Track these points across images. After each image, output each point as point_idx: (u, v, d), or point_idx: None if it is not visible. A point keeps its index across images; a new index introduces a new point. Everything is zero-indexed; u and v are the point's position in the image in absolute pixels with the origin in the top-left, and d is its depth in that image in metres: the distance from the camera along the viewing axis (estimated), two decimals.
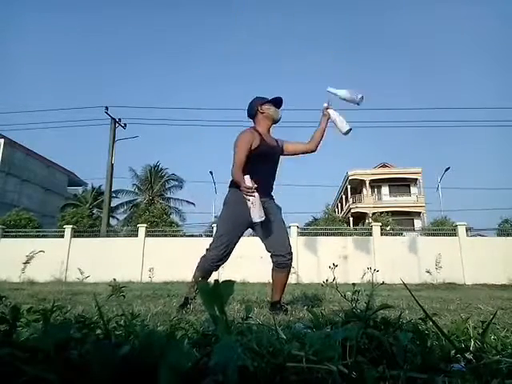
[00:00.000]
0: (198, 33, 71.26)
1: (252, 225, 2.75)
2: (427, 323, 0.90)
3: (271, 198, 2.89)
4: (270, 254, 2.76)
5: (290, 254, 2.75)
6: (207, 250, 2.75)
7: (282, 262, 2.72)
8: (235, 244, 2.77)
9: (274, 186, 2.95)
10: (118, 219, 27.11)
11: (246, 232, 2.92)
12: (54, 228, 16.21)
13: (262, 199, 2.67)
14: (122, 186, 27.32)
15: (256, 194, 2.55)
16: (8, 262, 11.54)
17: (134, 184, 27.72)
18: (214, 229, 14.52)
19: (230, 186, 2.83)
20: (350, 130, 2.88)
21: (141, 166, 28.41)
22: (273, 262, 2.76)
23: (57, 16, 66.82)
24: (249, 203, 2.55)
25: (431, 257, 10.92)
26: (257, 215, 2.54)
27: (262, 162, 2.77)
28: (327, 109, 2.96)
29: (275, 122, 2.97)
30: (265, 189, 2.77)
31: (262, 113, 2.92)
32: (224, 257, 2.72)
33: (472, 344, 0.84)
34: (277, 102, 2.96)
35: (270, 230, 2.75)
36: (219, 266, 2.75)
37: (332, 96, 2.93)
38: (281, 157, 3.00)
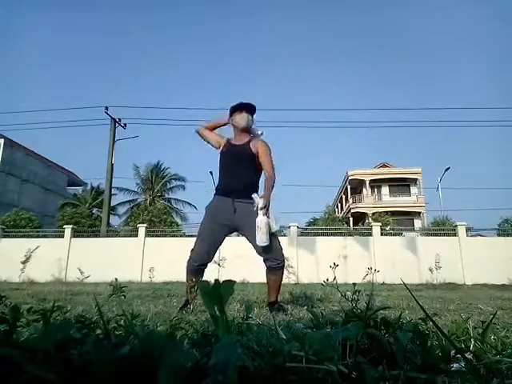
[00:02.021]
0: (198, 32, 71.32)
1: (237, 229, 2.84)
2: (427, 323, 0.90)
3: (247, 199, 2.78)
4: (262, 258, 2.81)
5: (281, 256, 2.80)
6: (191, 251, 2.83)
7: (275, 266, 2.77)
8: (217, 247, 2.84)
9: (248, 187, 2.83)
10: (119, 216, 27.05)
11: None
12: (54, 228, 16.21)
13: (240, 200, 2.78)
14: (122, 186, 27.29)
15: (264, 218, 2.65)
16: (8, 262, 11.54)
17: (137, 183, 27.70)
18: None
19: (214, 195, 2.96)
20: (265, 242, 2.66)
21: (142, 166, 28.23)
22: (266, 266, 2.81)
23: (57, 16, 66.87)
24: (257, 224, 2.66)
25: (431, 257, 10.92)
26: (262, 238, 2.64)
27: (228, 165, 2.91)
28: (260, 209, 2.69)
29: (242, 129, 3.00)
30: (232, 188, 2.84)
31: (233, 123, 3.07)
32: (206, 259, 2.79)
33: (472, 344, 0.84)
34: (240, 109, 2.99)
35: (253, 238, 2.74)
36: (203, 268, 2.81)
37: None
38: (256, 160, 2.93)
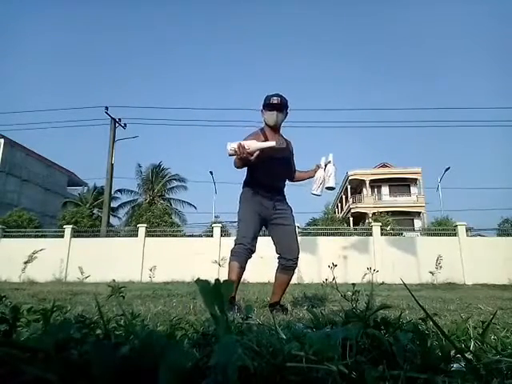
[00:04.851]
0: (198, 33, 71.32)
1: (265, 222, 2.87)
2: (427, 323, 0.90)
3: (283, 197, 2.97)
4: (278, 255, 2.84)
5: (297, 258, 2.83)
6: (239, 238, 2.75)
7: (289, 265, 2.80)
8: (258, 233, 2.84)
9: (284, 186, 3.02)
10: (119, 218, 27.01)
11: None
12: (54, 228, 16.22)
13: (278, 198, 2.91)
14: (123, 186, 27.25)
15: (320, 171, 2.95)
16: (8, 261, 11.54)
17: (138, 184, 27.61)
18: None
19: (243, 187, 2.97)
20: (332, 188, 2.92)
21: (143, 166, 28.13)
22: (279, 263, 2.83)
23: (57, 15, 66.86)
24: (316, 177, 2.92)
25: (431, 257, 10.92)
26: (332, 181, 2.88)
27: (266, 162, 2.73)
28: (326, 165, 2.97)
29: (272, 126, 2.88)
30: (272, 187, 2.88)
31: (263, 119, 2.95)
32: (254, 246, 2.76)
33: (472, 344, 0.84)
34: (268, 106, 2.85)
35: (282, 233, 2.84)
36: (251, 255, 2.75)
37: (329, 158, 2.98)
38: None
